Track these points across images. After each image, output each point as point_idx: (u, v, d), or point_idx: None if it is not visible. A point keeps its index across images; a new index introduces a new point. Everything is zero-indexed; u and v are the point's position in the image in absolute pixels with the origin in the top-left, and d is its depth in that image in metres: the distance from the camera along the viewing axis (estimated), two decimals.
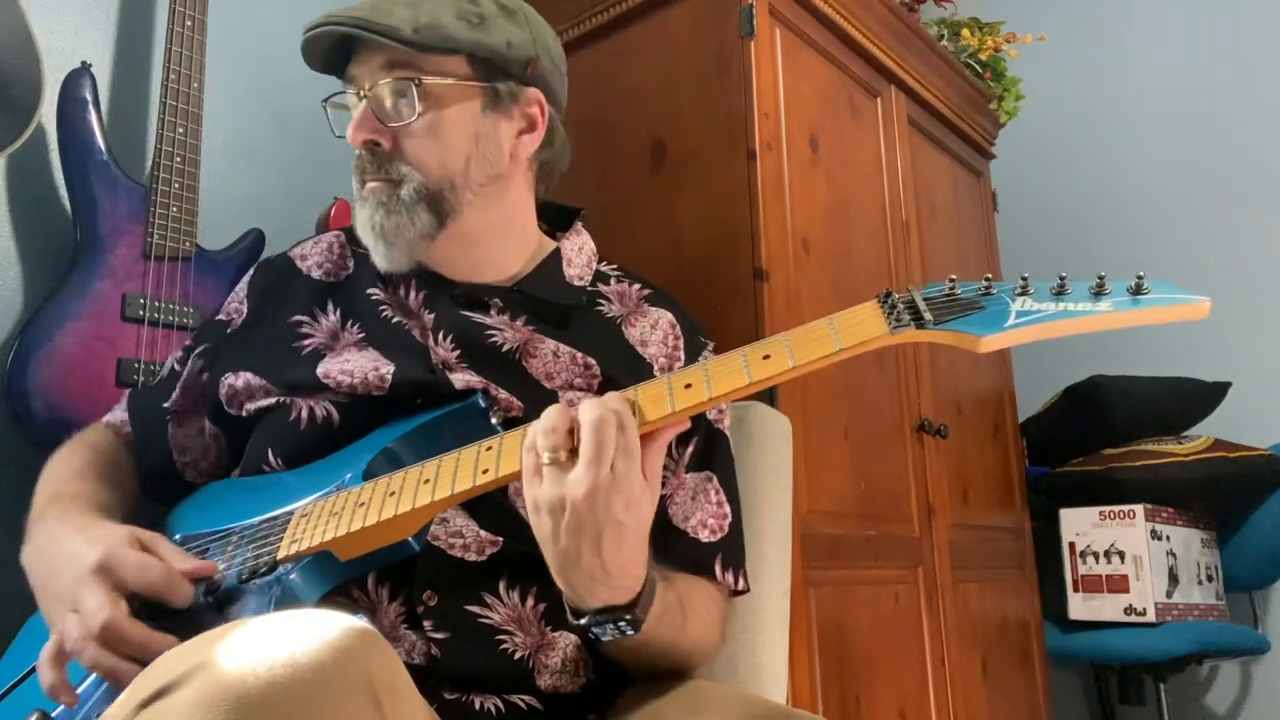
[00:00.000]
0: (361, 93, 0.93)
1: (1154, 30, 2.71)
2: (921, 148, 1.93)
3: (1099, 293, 0.62)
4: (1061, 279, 0.63)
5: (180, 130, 1.37)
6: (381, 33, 0.90)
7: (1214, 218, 2.53)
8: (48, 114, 1.34)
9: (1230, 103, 2.56)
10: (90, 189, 1.31)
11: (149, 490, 1.01)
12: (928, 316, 0.65)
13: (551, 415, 0.68)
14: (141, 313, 1.32)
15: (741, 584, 0.93)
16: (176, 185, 1.36)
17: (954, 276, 0.67)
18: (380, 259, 0.95)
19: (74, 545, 0.78)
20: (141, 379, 1.30)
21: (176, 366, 1.04)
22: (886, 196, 1.76)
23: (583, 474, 0.65)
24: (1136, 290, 0.61)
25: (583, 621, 0.73)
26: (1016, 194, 2.45)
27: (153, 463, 1.01)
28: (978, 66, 2.14)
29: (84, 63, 1.35)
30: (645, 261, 1.37)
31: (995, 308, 0.64)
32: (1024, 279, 0.64)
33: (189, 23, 1.40)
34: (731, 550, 0.93)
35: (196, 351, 1.01)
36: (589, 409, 0.66)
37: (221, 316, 1.03)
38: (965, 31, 2.12)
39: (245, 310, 1.02)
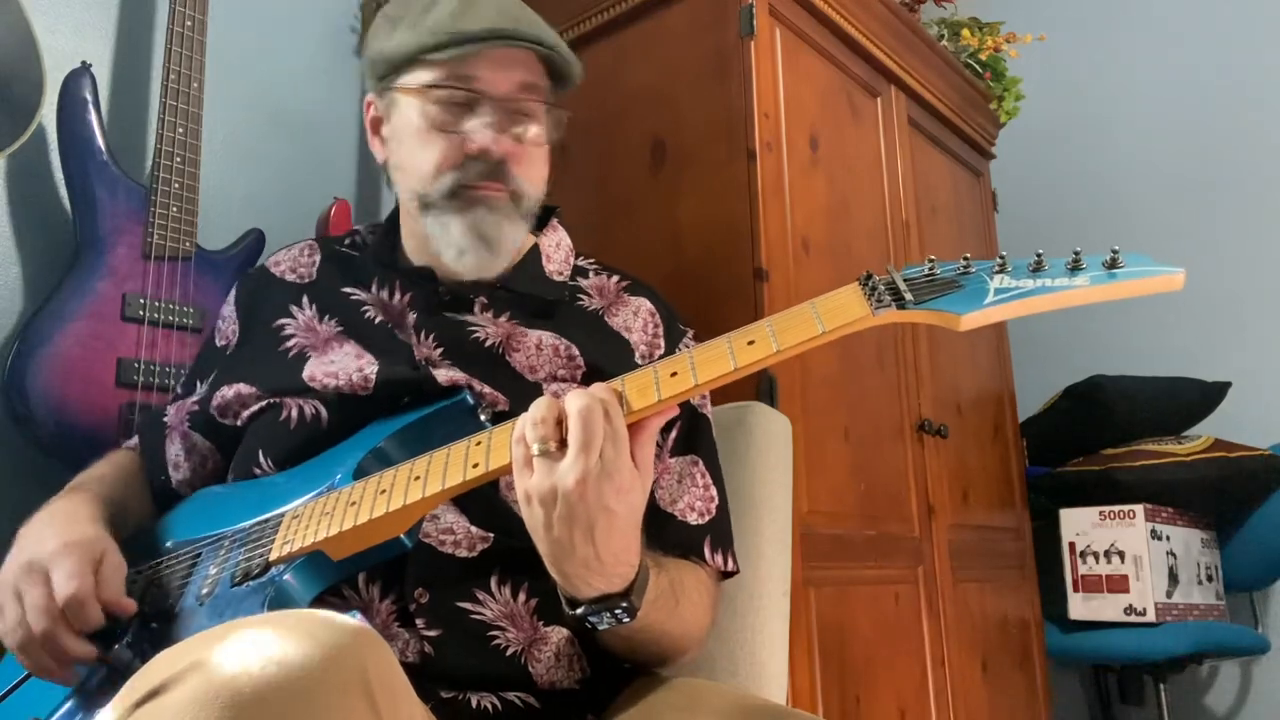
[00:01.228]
0: (500, 100, 0.94)
1: (1154, 30, 2.71)
2: (921, 148, 1.93)
3: (1075, 268, 0.63)
4: (1038, 256, 0.64)
5: (180, 130, 1.37)
6: (569, 76, 0.98)
7: (1214, 218, 2.53)
8: (48, 114, 1.34)
9: (1230, 103, 2.56)
10: (90, 189, 1.31)
11: (158, 504, 1.02)
12: (908, 297, 0.65)
13: (540, 407, 0.69)
14: (141, 313, 1.32)
15: (731, 564, 0.94)
16: (176, 185, 1.36)
17: (933, 257, 0.68)
18: (471, 265, 0.94)
19: (52, 530, 0.82)
20: (141, 379, 1.30)
21: (181, 390, 1.06)
22: (886, 196, 1.76)
23: (572, 463, 0.66)
24: (1111, 264, 0.62)
25: (578, 612, 0.73)
26: (1016, 194, 2.45)
27: (153, 477, 1.03)
28: (978, 66, 2.14)
29: (84, 63, 1.35)
30: (645, 261, 1.37)
31: (974, 286, 0.64)
32: (1002, 257, 0.65)
33: (189, 23, 1.40)
34: (720, 532, 0.94)
35: (207, 381, 1.02)
36: (575, 399, 0.67)
37: (220, 342, 1.05)
38: (965, 31, 2.12)
39: (237, 330, 1.03)
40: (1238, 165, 2.52)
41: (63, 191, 1.37)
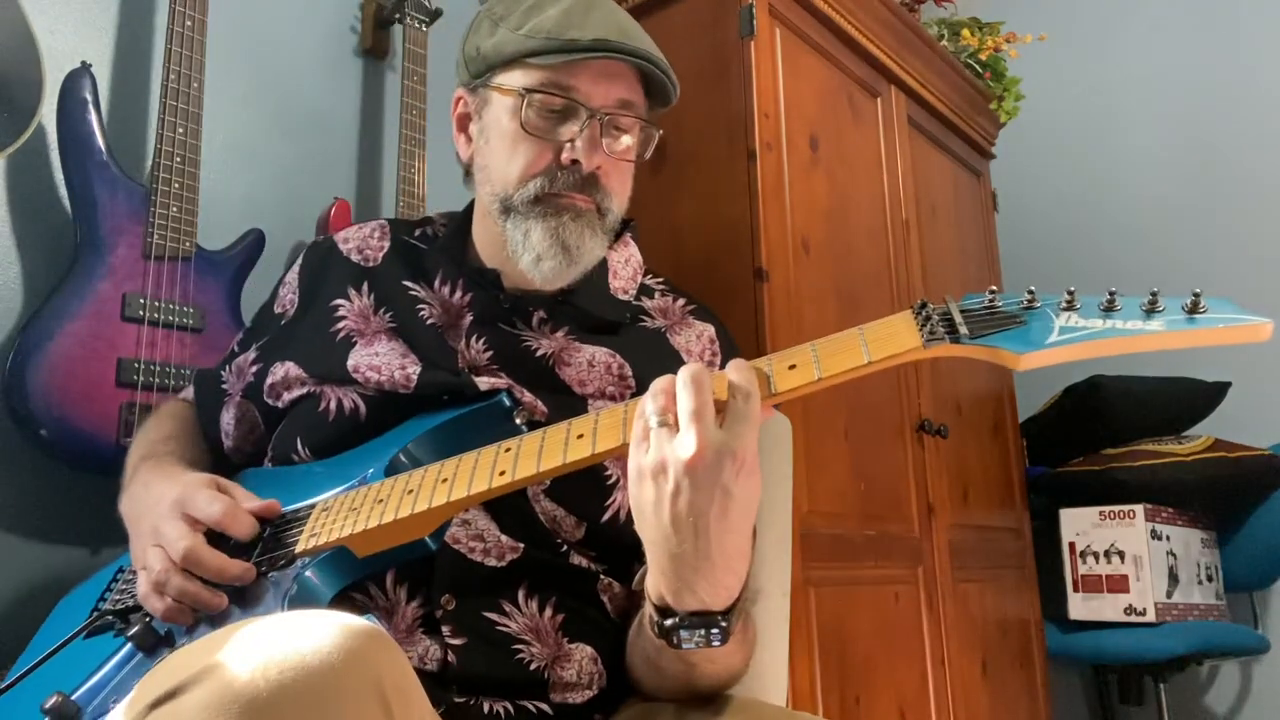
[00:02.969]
0: (595, 113, 0.92)
1: (1153, 31, 2.71)
2: (921, 148, 1.93)
3: (1151, 310, 0.58)
4: (1111, 294, 0.59)
5: (180, 130, 1.36)
6: (667, 95, 0.96)
7: (1213, 217, 2.53)
8: (48, 114, 1.33)
9: (1229, 103, 2.56)
10: (90, 189, 1.31)
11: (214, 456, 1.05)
12: (963, 330, 0.61)
13: (662, 381, 0.66)
14: (141, 313, 1.31)
15: None
16: (176, 185, 1.36)
17: (994, 288, 0.63)
18: (547, 272, 0.92)
19: (159, 489, 0.85)
20: (141, 379, 1.30)
21: (237, 348, 1.07)
22: (886, 196, 1.76)
23: (686, 432, 0.62)
24: (1193, 309, 0.57)
25: (669, 623, 0.68)
26: (1016, 194, 2.45)
27: (212, 440, 1.05)
28: (978, 66, 2.14)
29: (84, 63, 1.35)
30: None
31: (1038, 323, 0.60)
32: (1070, 293, 0.60)
33: (189, 23, 1.40)
34: None
35: (258, 344, 1.03)
36: (684, 370, 0.65)
37: (278, 309, 1.04)
38: (965, 31, 2.12)
39: (297, 301, 1.03)
40: (1238, 165, 2.52)
41: (63, 191, 1.36)
